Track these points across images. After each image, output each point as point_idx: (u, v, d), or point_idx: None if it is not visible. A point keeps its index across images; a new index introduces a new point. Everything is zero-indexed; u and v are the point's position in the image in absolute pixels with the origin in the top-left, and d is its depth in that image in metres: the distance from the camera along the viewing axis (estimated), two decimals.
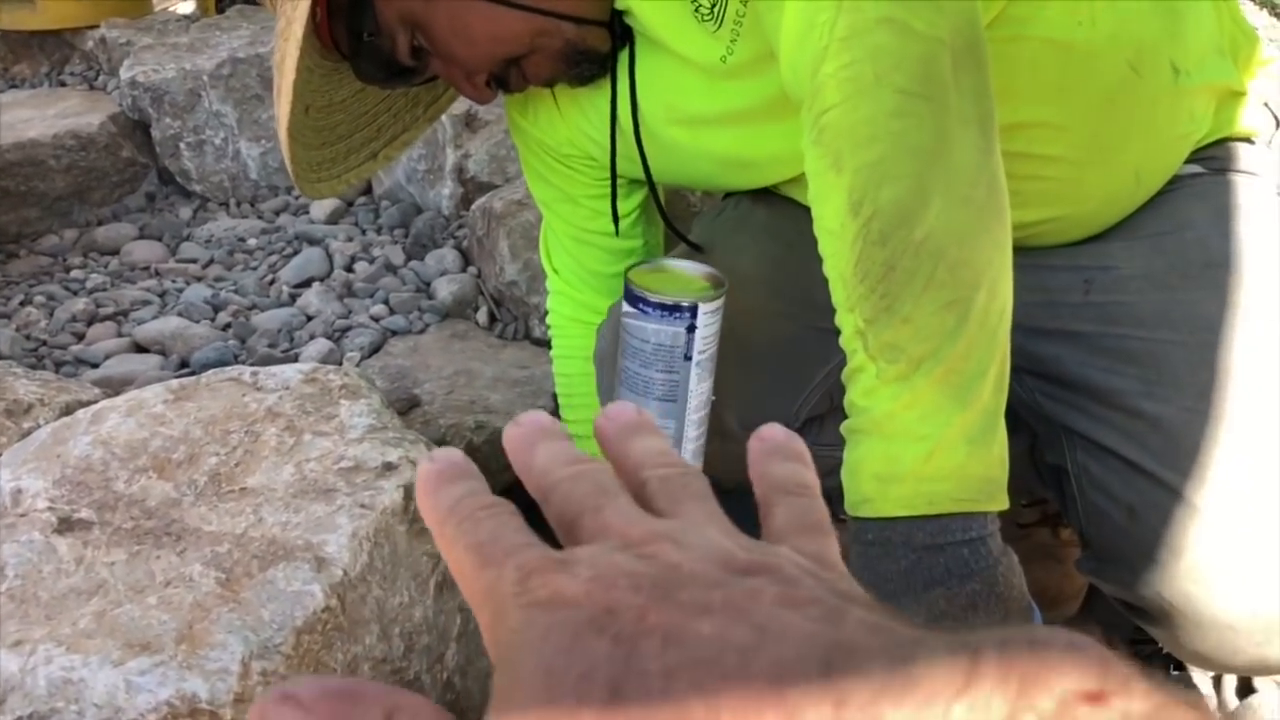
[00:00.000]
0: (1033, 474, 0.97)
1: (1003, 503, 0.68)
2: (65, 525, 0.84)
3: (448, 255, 1.60)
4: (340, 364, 1.37)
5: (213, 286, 1.62)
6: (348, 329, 1.44)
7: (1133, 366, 0.85)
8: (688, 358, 0.81)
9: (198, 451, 0.91)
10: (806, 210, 0.71)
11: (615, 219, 1.01)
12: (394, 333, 1.45)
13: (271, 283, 1.61)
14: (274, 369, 1.03)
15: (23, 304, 1.57)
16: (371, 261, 1.64)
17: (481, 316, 1.49)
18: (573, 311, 1.13)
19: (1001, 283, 0.68)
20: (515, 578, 0.26)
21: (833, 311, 0.69)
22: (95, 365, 1.39)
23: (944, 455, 0.66)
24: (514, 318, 1.49)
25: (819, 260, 0.70)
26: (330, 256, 1.65)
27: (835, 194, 0.66)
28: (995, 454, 0.68)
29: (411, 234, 1.67)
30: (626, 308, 0.81)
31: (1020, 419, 0.92)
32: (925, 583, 0.66)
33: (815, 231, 0.70)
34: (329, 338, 1.42)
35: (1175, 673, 1.05)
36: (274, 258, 1.69)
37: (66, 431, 0.95)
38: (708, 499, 0.31)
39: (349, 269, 1.63)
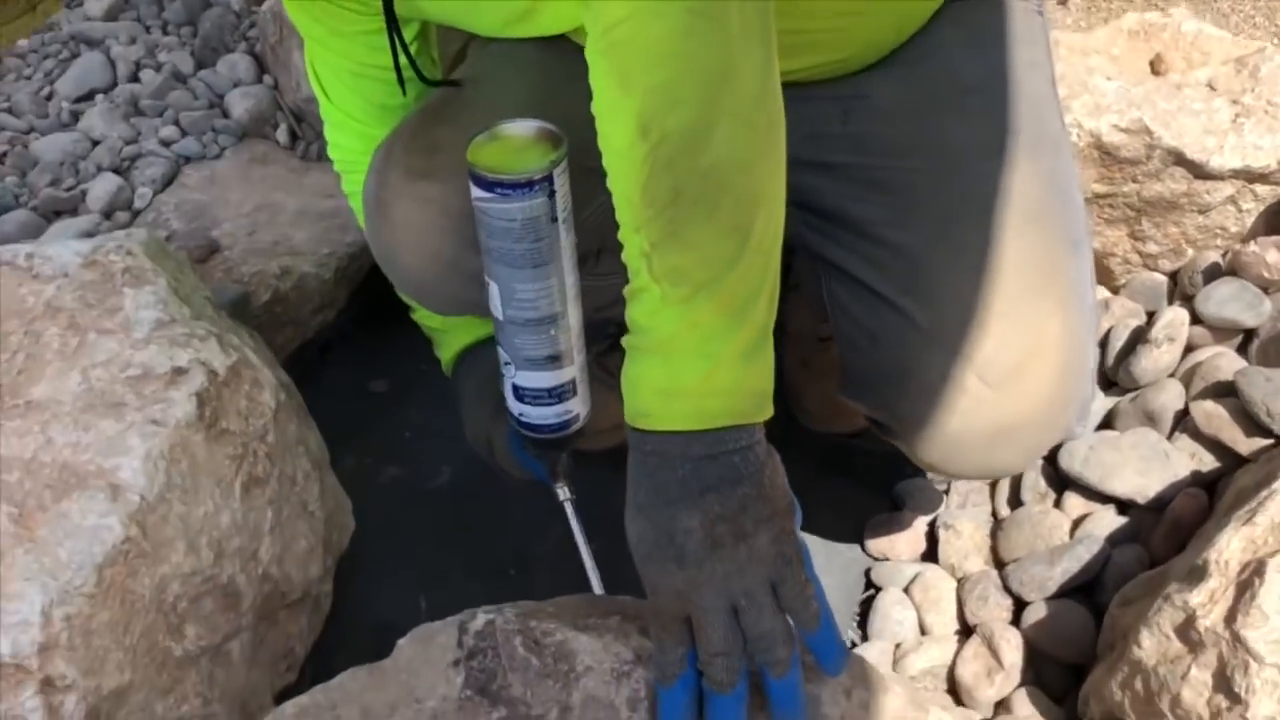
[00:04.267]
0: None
1: (769, 412, 0.72)
2: None
3: (240, 63, 1.49)
4: (131, 203, 1.30)
5: None
6: (136, 157, 1.36)
7: (881, 195, 0.88)
8: (554, 220, 0.80)
9: None
10: (576, 48, 0.69)
11: (400, 80, 0.95)
12: (188, 159, 1.37)
13: (49, 97, 1.48)
14: (50, 250, 0.98)
15: None
16: (158, 69, 1.51)
17: (282, 135, 1.42)
18: (364, 146, 1.07)
19: (777, 205, 0.69)
20: None
21: (599, 152, 0.69)
22: None
23: (722, 373, 0.69)
24: (317, 135, 1.41)
25: (588, 99, 0.69)
26: (113, 63, 1.52)
27: (623, 115, 0.65)
28: (766, 368, 0.71)
29: (200, 34, 1.54)
30: (481, 193, 0.79)
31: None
32: (701, 489, 0.70)
33: (599, 144, 0.69)
34: (117, 171, 1.33)
35: (917, 479, 1.16)
36: (49, 64, 1.55)
37: None
38: None
39: (134, 78, 1.51)
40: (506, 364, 0.89)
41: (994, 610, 1.00)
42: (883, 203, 0.87)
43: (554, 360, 0.88)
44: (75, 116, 1.45)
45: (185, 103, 1.45)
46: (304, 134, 1.42)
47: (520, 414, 0.93)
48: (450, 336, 1.13)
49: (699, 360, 0.68)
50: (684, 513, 0.70)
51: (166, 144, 1.38)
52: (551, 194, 0.79)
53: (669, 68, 0.63)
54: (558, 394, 0.91)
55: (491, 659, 0.79)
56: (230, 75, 1.48)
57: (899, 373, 0.84)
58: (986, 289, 0.81)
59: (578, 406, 0.92)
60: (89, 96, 1.49)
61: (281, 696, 0.93)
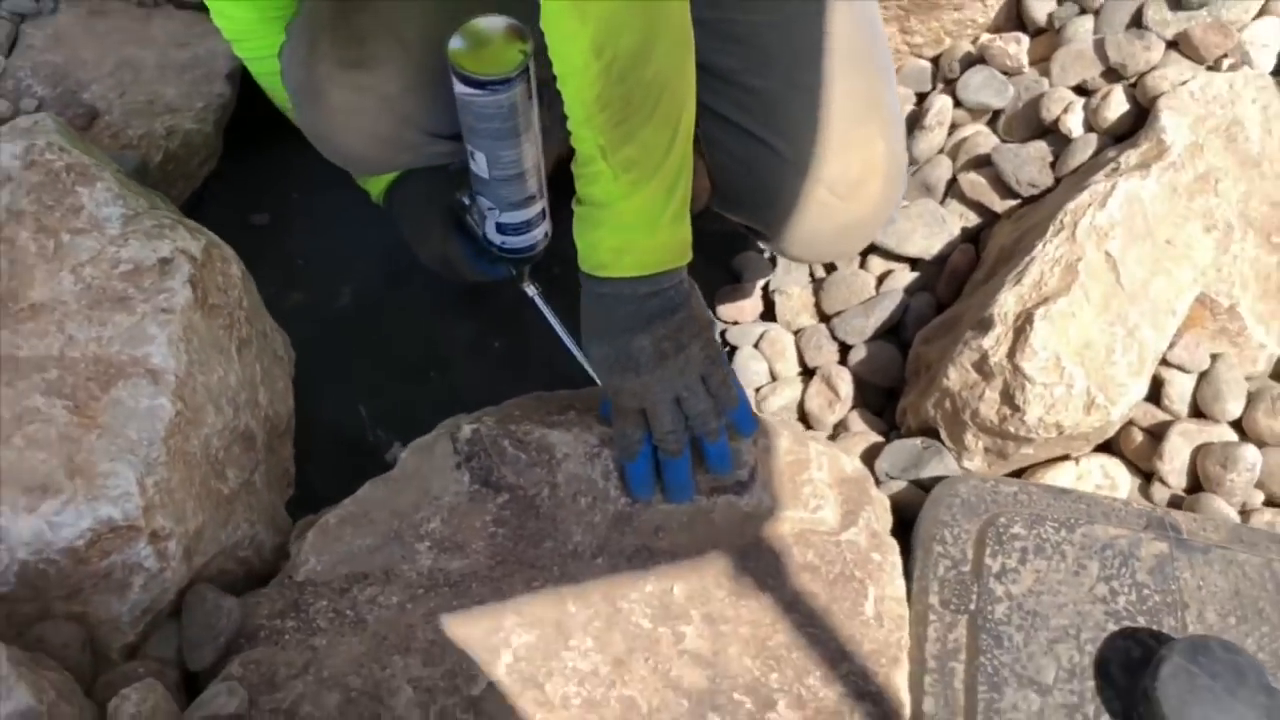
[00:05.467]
0: None
1: (690, 257, 0.95)
2: None
3: None
4: None
5: None
6: None
7: (737, 46, 1.08)
8: (530, 98, 0.97)
9: None
10: None
11: None
12: (23, 17, 1.37)
13: None
14: None
15: None
16: None
17: None
18: (256, 14, 1.15)
19: (691, 98, 0.89)
20: None
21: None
22: None
23: (661, 233, 0.91)
24: None
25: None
26: None
27: (579, 40, 0.82)
28: (687, 224, 0.93)
29: None
30: (470, 90, 0.94)
31: None
32: (648, 317, 0.94)
33: (555, 66, 0.85)
34: None
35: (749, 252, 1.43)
36: None
37: None
38: None
39: None
40: (490, 209, 1.08)
41: (826, 355, 1.31)
42: (739, 54, 1.06)
43: (530, 200, 1.08)
44: None
45: None
46: None
47: (503, 243, 1.13)
48: None
49: (644, 225, 0.89)
50: (638, 335, 0.93)
51: None
52: (527, 80, 0.96)
53: (614, 1, 0.81)
54: (533, 224, 1.11)
55: (486, 458, 1.02)
56: None
57: (767, 192, 1.08)
58: (828, 122, 1.04)
59: (544, 227, 1.13)
60: None
61: (291, 507, 1.12)
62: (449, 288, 1.40)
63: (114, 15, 1.41)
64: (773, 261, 1.43)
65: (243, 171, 1.47)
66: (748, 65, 1.06)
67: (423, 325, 1.41)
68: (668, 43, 0.84)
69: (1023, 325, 1.03)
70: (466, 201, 1.22)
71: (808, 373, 1.32)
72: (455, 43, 0.94)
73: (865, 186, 1.06)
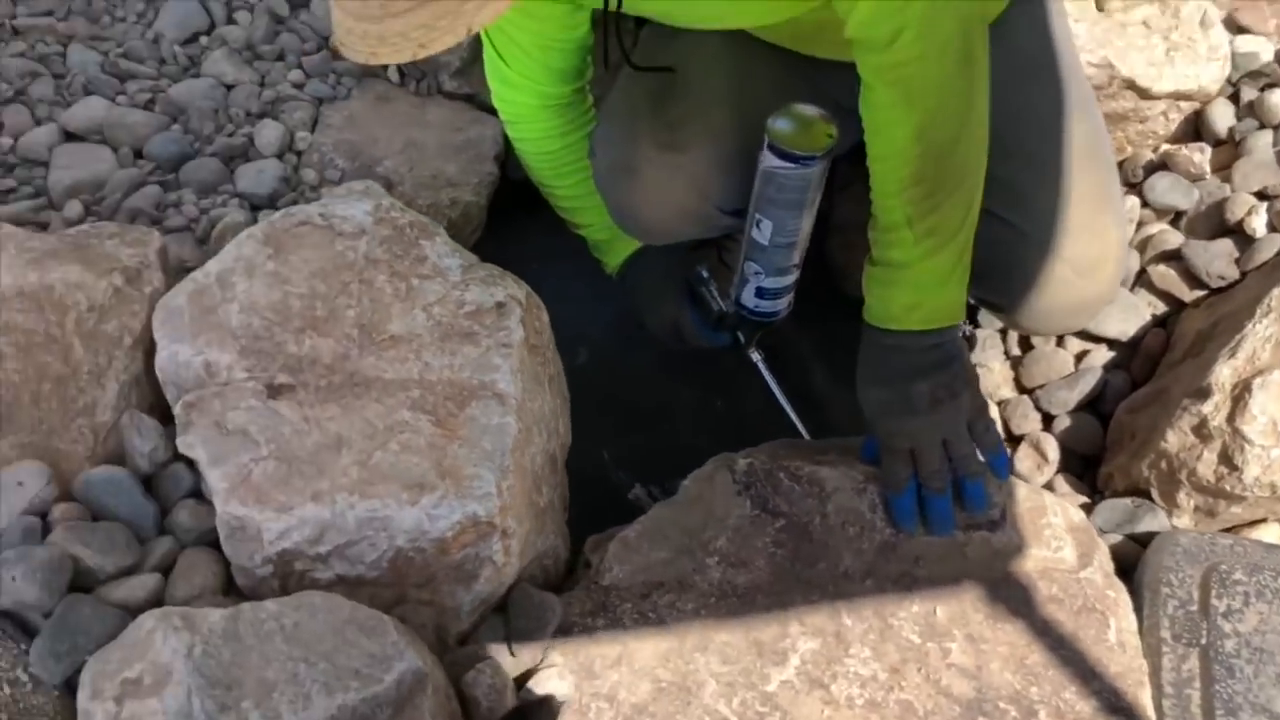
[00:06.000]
0: None
1: (964, 316, 1.10)
2: (274, 391, 1.08)
3: None
4: (293, 144, 1.51)
5: (93, 47, 1.62)
6: (275, 100, 1.56)
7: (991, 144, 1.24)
8: (824, 176, 1.14)
9: (333, 306, 1.14)
10: (750, 37, 1.06)
11: (624, 54, 1.22)
12: (321, 100, 1.58)
13: (156, 40, 1.63)
14: (338, 208, 1.22)
15: None
16: (251, 10, 1.68)
17: (392, 74, 1.64)
18: (539, 101, 1.35)
19: (983, 175, 1.05)
20: None
21: None
22: (44, 163, 1.45)
23: (949, 292, 1.07)
24: (422, 74, 1.64)
25: (765, 70, 1.11)
26: (205, 6, 1.67)
27: (905, 124, 0.99)
28: (966, 285, 1.08)
29: None
30: (781, 162, 1.11)
31: None
32: (927, 368, 1.08)
33: (873, 146, 1.02)
34: (264, 114, 1.53)
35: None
36: (138, 4, 1.68)
37: (204, 300, 1.13)
38: None
39: (230, 20, 1.68)
40: (757, 273, 1.24)
41: (1032, 423, 1.44)
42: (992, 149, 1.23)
43: (794, 268, 1.25)
44: (193, 60, 1.62)
45: (297, 46, 1.63)
46: (410, 71, 1.64)
47: (756, 306, 1.29)
48: (618, 245, 1.44)
49: (936, 285, 1.05)
50: (917, 383, 1.08)
51: (298, 87, 1.58)
52: (828, 160, 1.13)
53: (941, 97, 0.98)
54: (789, 289, 1.27)
55: (762, 488, 1.16)
56: (327, 16, 1.67)
57: (1008, 267, 1.22)
58: (1070, 207, 1.20)
59: (792, 297, 1.29)
60: (193, 39, 1.65)
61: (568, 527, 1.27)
62: (674, 353, 1.56)
63: (396, 101, 1.61)
64: (969, 340, 1.58)
65: (493, 241, 1.65)
66: (992, 153, 1.22)
67: (652, 384, 1.57)
68: (975, 131, 1.00)
69: (1241, 393, 1.16)
70: (705, 274, 1.39)
71: (1012, 439, 1.45)
72: (776, 121, 1.11)
73: (1102, 267, 1.21)
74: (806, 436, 1.31)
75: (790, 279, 1.26)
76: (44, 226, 1.37)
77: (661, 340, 1.43)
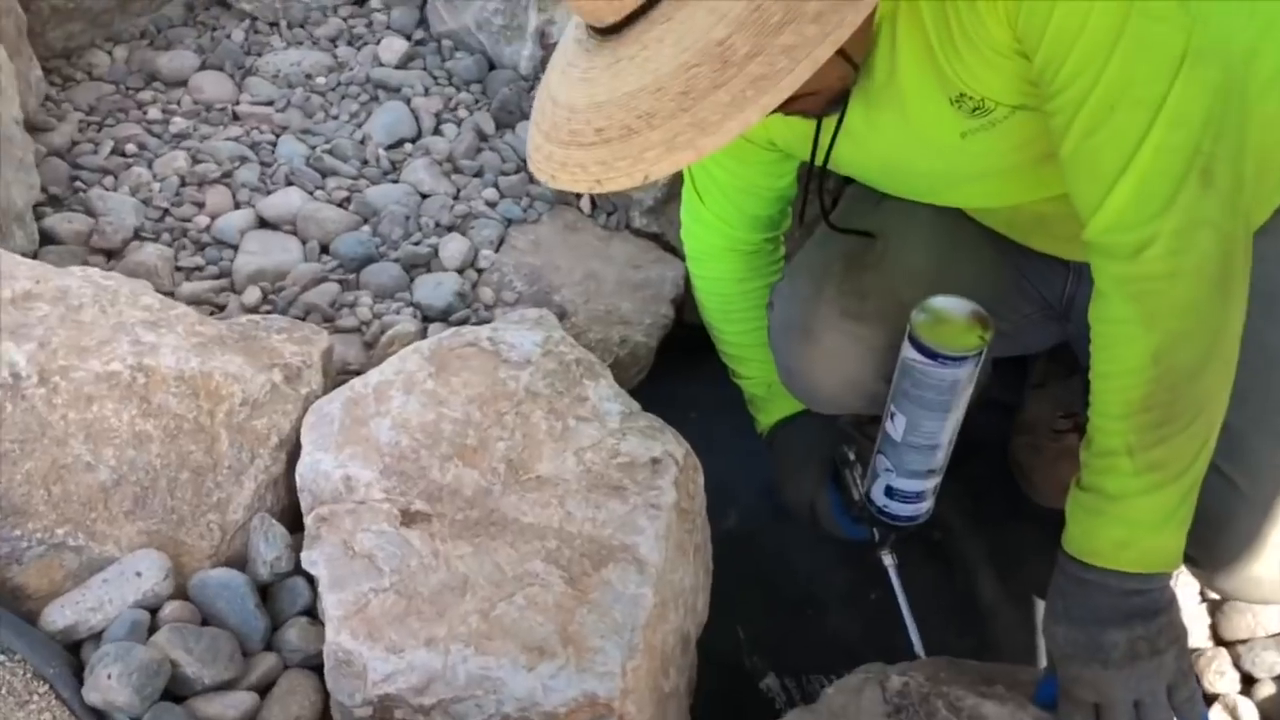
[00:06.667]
0: None
1: (1180, 564, 0.96)
2: (408, 518, 1.02)
3: None
4: (476, 261, 1.49)
5: (303, 140, 1.66)
6: (467, 216, 1.55)
7: None
8: (971, 381, 1.03)
9: (485, 436, 1.09)
10: (963, 214, 1.00)
11: (824, 212, 1.15)
12: (510, 221, 1.57)
13: (363, 141, 1.66)
14: (508, 334, 1.18)
15: (116, 153, 1.59)
16: (458, 125, 1.70)
17: (584, 204, 1.62)
18: (726, 243, 1.29)
19: (1223, 413, 0.92)
20: None
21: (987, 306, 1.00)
22: (234, 246, 1.47)
23: (1166, 535, 0.93)
24: (614, 207, 1.62)
25: (971, 254, 1.02)
26: (415, 115, 1.70)
27: (1139, 344, 0.87)
28: (1186, 531, 0.94)
29: (495, 100, 1.72)
30: (919, 356, 1.01)
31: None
32: (1129, 613, 0.94)
33: (1099, 363, 0.90)
34: (453, 228, 1.53)
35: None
36: (352, 105, 1.73)
37: (358, 410, 1.09)
38: None
39: (436, 131, 1.70)
40: (888, 470, 1.12)
41: (1229, 682, 1.26)
42: None
43: (930, 473, 1.12)
44: (394, 165, 1.63)
45: (497, 165, 1.64)
46: (602, 204, 1.62)
47: (885, 505, 1.16)
48: (772, 405, 1.35)
49: (1152, 525, 0.91)
50: (1113, 629, 0.93)
51: (491, 205, 1.58)
52: (976, 365, 1.02)
53: (1186, 320, 0.86)
54: (923, 496, 1.15)
55: (914, 714, 1.03)
56: None
57: (1217, 522, 1.07)
58: None
59: (931, 504, 1.16)
60: (399, 145, 1.67)
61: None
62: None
63: (583, 231, 1.59)
64: None
65: (656, 383, 1.58)
66: None
67: (802, 560, 1.46)
68: (1221, 363, 0.88)
69: None
70: (851, 456, 1.27)
71: (1206, 697, 1.28)
72: (922, 311, 1.02)
73: None
74: (923, 656, 1.17)
75: (924, 484, 1.13)
76: (221, 308, 1.38)
77: (796, 517, 1.32)
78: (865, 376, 1.14)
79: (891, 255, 1.16)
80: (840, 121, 0.99)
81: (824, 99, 0.96)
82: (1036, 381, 1.53)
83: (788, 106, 0.78)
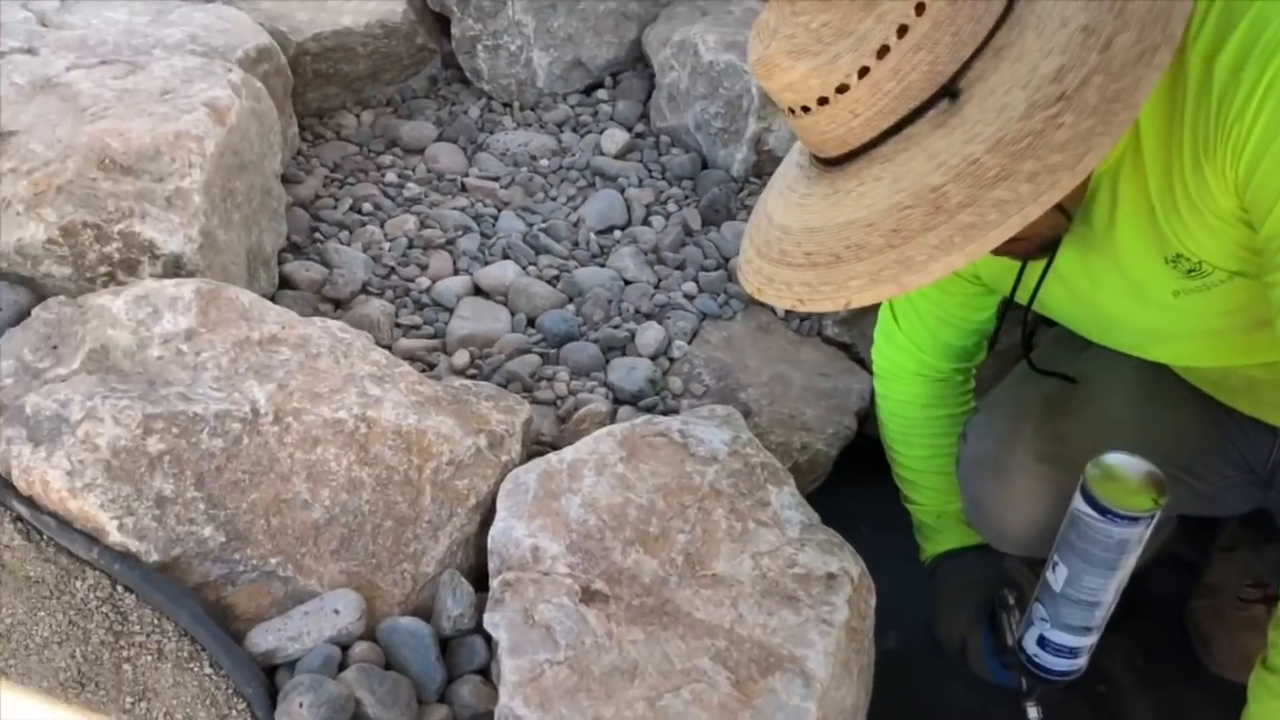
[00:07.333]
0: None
1: None
2: (588, 595, 1.06)
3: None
4: (669, 350, 1.55)
5: (522, 217, 1.76)
6: (665, 305, 1.61)
7: None
8: (1140, 543, 1.01)
9: (666, 526, 1.12)
10: (1168, 369, 0.99)
11: (1026, 353, 1.16)
12: (706, 315, 1.62)
13: (577, 224, 1.75)
14: (697, 429, 1.22)
15: (354, 210, 1.72)
16: (667, 217, 1.78)
17: (779, 308, 1.65)
18: (916, 368, 1.30)
19: None
20: None
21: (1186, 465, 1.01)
22: (450, 309, 1.56)
23: None
24: (808, 314, 1.65)
25: (1174, 410, 1.01)
26: (628, 205, 1.78)
27: None
28: None
29: (705, 197, 1.79)
30: (1089, 510, 1.00)
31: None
32: None
33: None
34: (650, 316, 1.59)
35: None
36: (570, 189, 1.82)
37: (551, 484, 1.15)
38: None
39: (645, 221, 1.77)
40: (1043, 620, 1.10)
41: None
42: None
43: (1087, 630, 1.09)
44: (603, 249, 1.71)
45: (698, 260, 1.70)
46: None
47: (1035, 655, 1.14)
48: (940, 536, 1.35)
49: None
50: None
51: (689, 298, 1.63)
52: (1147, 527, 1.00)
53: None
54: (1077, 653, 1.12)
55: None
56: (735, 242, 1.73)
57: None
58: None
59: (1084, 661, 1.13)
60: (609, 230, 1.76)
61: None
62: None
63: (775, 334, 1.62)
64: None
65: (831, 492, 1.60)
66: None
67: (957, 696, 1.43)
68: None
69: None
70: (1010, 601, 1.25)
71: None
72: (1097, 465, 1.00)
73: None
74: None
75: (1079, 641, 1.10)
76: (431, 366, 1.47)
77: (946, 651, 1.30)
78: (1054, 521, 1.13)
79: (1094, 403, 1.16)
80: (1049, 264, 1.00)
81: (1035, 244, 0.98)
82: (1225, 544, 1.47)
83: (998, 249, 0.81)
